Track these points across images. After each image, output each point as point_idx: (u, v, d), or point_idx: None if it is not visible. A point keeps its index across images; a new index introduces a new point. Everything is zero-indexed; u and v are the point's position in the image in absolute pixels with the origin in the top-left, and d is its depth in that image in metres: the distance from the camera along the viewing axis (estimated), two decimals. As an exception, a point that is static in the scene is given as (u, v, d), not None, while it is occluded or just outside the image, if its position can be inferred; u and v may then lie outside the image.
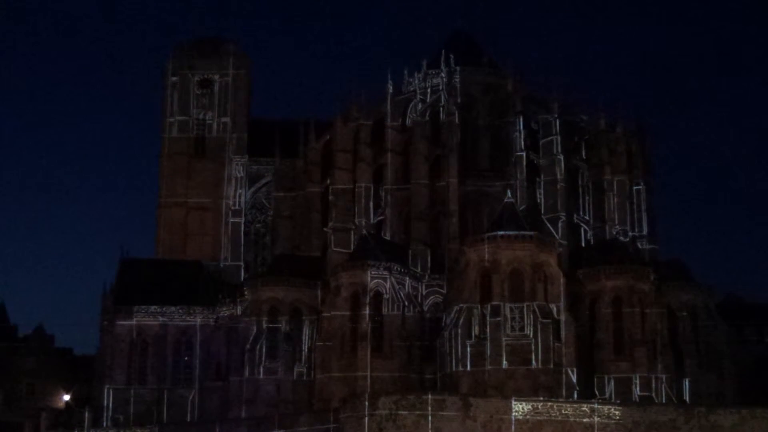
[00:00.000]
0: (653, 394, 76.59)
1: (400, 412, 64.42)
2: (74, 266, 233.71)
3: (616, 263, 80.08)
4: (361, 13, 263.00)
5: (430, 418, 64.40)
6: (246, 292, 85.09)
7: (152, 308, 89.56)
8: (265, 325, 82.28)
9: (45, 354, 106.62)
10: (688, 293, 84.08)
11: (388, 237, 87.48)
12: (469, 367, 74.76)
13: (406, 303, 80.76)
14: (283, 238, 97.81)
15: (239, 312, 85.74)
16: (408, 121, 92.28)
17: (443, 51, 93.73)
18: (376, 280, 79.88)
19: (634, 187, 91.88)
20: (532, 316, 74.32)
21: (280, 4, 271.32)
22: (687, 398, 79.17)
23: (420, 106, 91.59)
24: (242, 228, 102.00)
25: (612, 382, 76.92)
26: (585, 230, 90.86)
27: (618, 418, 66.25)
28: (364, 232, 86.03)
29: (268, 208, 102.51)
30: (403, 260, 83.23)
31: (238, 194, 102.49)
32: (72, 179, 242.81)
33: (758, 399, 75.44)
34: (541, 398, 68.15)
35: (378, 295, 79.82)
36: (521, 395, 68.44)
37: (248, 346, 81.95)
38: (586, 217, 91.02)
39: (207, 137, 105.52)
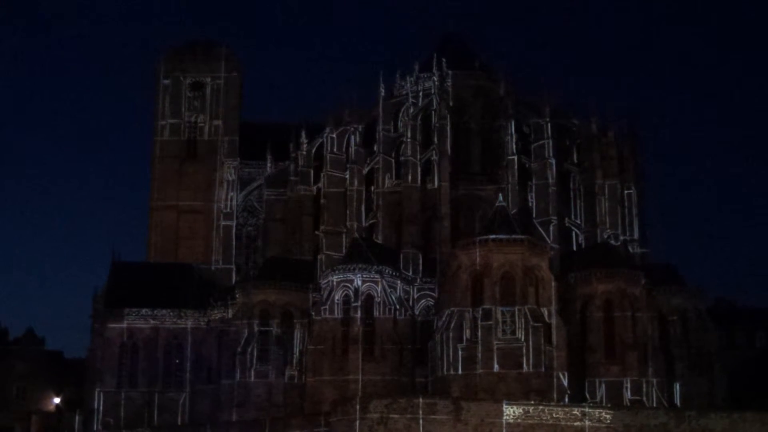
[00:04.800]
0: (644, 398, 76.63)
1: (391, 415, 64.40)
2: (65, 269, 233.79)
3: (607, 267, 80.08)
4: (353, 17, 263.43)
5: (421, 421, 64.38)
6: (237, 295, 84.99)
7: (143, 311, 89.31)
8: (256, 329, 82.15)
9: (35, 357, 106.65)
10: (679, 297, 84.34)
11: (379, 240, 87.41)
12: (460, 371, 74.72)
13: (398, 306, 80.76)
14: (274, 241, 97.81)
15: (230, 315, 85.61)
16: (400, 125, 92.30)
17: (435, 55, 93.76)
18: (367, 284, 79.88)
19: (626, 191, 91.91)
20: (523, 320, 74.32)
21: (272, 7, 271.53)
22: (678, 402, 79.40)
23: (412, 109, 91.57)
24: (234, 231, 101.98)
25: (603, 386, 76.93)
26: (576, 234, 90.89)
27: (609, 421, 66.25)
28: (356, 235, 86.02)
29: (260, 211, 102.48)
30: (395, 264, 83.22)
31: (229, 197, 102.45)
32: (63, 182, 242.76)
33: (749, 402, 75.52)
34: (533, 402, 68.05)
35: (369, 299, 79.81)
36: (512, 399, 68.35)
37: (239, 350, 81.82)
38: (578, 221, 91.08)
39: (199, 140, 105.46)
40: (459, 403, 66.02)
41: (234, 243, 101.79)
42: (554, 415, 66.16)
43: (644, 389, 77.13)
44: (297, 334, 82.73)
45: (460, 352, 75.04)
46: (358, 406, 65.12)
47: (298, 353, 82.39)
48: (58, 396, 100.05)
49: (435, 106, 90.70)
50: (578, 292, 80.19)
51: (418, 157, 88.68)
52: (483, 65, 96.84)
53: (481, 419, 65.20)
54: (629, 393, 76.50)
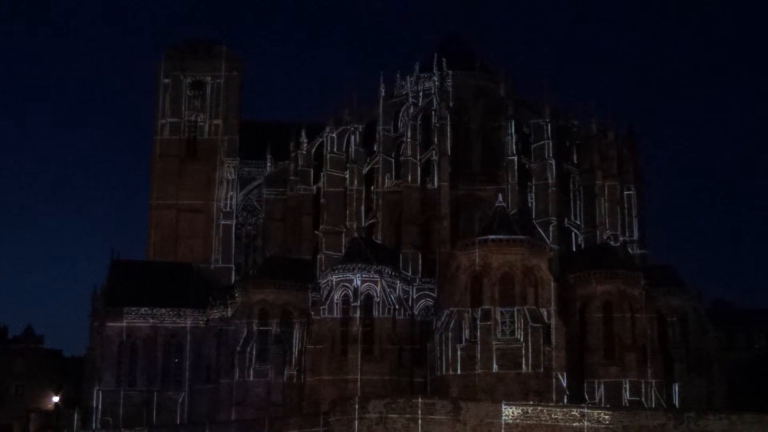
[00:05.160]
0: (643, 399, 76.66)
1: (390, 415, 64.48)
2: (65, 267, 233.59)
3: (606, 268, 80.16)
4: (353, 17, 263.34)
5: (420, 421, 64.45)
6: (236, 295, 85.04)
7: (142, 310, 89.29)
8: (255, 328, 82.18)
9: (34, 355, 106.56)
10: (678, 298, 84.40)
11: (379, 240, 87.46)
12: (459, 371, 74.76)
13: (397, 306, 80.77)
14: (274, 240, 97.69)
15: (230, 314, 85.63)
16: (400, 125, 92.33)
17: (436, 55, 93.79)
18: (366, 284, 79.90)
19: (625, 192, 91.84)
20: (522, 320, 74.36)
21: (273, 7, 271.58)
22: (676, 403, 79.41)
23: (412, 109, 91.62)
24: (233, 230, 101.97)
25: (602, 387, 76.97)
26: (576, 235, 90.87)
27: (608, 422, 66.33)
28: (355, 235, 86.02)
29: (260, 211, 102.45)
30: (394, 263, 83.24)
31: (229, 196, 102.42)
32: (63, 180, 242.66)
33: (747, 404, 75.65)
34: (531, 402, 68.20)
35: (369, 299, 79.84)
36: (511, 399, 68.46)
37: (238, 349, 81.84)
38: (577, 222, 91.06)
39: (199, 139, 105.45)
40: (458, 404, 66.11)
41: (233, 242, 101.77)
42: (553, 416, 66.26)
43: (643, 390, 77.15)
44: (296, 334, 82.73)
45: (459, 353, 75.06)
46: (356, 406, 65.18)
47: (297, 353, 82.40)
48: (56, 394, 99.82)
49: (435, 107, 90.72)
50: (577, 292, 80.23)
51: (418, 157, 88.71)
52: (483, 66, 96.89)
53: (479, 419, 65.29)
54: (628, 394, 76.54)
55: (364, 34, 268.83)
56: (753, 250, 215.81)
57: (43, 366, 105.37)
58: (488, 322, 74.25)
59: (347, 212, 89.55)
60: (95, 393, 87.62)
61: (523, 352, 73.78)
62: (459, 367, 74.84)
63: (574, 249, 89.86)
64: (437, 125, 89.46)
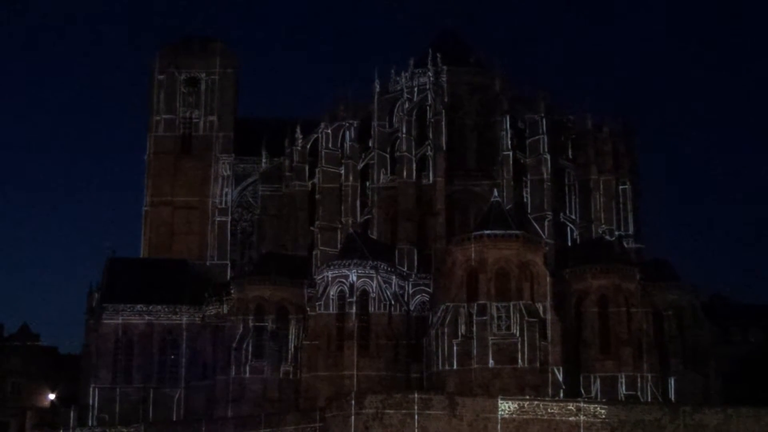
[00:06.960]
0: (639, 393, 76.73)
1: (386, 411, 64.44)
2: (60, 265, 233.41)
3: (602, 263, 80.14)
4: (348, 12, 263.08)
5: (416, 417, 64.43)
6: (232, 291, 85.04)
7: (138, 307, 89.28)
8: (251, 324, 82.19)
9: (30, 353, 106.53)
10: (674, 293, 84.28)
11: (374, 236, 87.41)
12: (455, 366, 74.83)
13: (393, 302, 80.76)
14: (269, 236, 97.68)
15: (225, 311, 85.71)
16: (395, 120, 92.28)
17: (430, 50, 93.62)
18: (362, 279, 79.87)
19: (620, 187, 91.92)
20: (518, 315, 74.44)
21: (268, 2, 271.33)
22: (672, 397, 79.37)
23: (407, 105, 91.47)
24: (228, 227, 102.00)
25: (598, 381, 77.02)
26: (571, 229, 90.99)
27: (604, 416, 66.41)
28: (351, 230, 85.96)
29: (255, 207, 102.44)
30: (390, 259, 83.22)
31: (224, 193, 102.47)
32: (58, 178, 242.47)
33: (743, 398, 75.70)
34: (528, 397, 68.28)
35: (364, 294, 79.81)
36: (507, 394, 68.53)
37: (234, 345, 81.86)
38: (573, 217, 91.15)
39: (194, 136, 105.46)
40: (454, 399, 66.12)
41: (229, 239, 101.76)
42: (549, 410, 66.32)
43: (639, 384, 77.20)
44: (292, 330, 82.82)
45: (455, 348, 75.11)
46: (353, 402, 65.15)
47: (293, 349, 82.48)
48: (53, 392, 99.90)
49: (430, 102, 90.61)
50: (573, 287, 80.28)
51: (413, 152, 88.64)
52: (478, 61, 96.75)
53: (476, 414, 65.28)
54: (624, 388, 76.53)
55: (358, 30, 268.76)
56: (749, 244, 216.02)
57: (39, 363, 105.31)
58: (484, 317, 74.30)
59: (342, 208, 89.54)
60: (91, 390, 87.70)
61: (519, 346, 73.86)
62: (455, 363, 74.89)
63: (569, 244, 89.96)
64: (432, 121, 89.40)
